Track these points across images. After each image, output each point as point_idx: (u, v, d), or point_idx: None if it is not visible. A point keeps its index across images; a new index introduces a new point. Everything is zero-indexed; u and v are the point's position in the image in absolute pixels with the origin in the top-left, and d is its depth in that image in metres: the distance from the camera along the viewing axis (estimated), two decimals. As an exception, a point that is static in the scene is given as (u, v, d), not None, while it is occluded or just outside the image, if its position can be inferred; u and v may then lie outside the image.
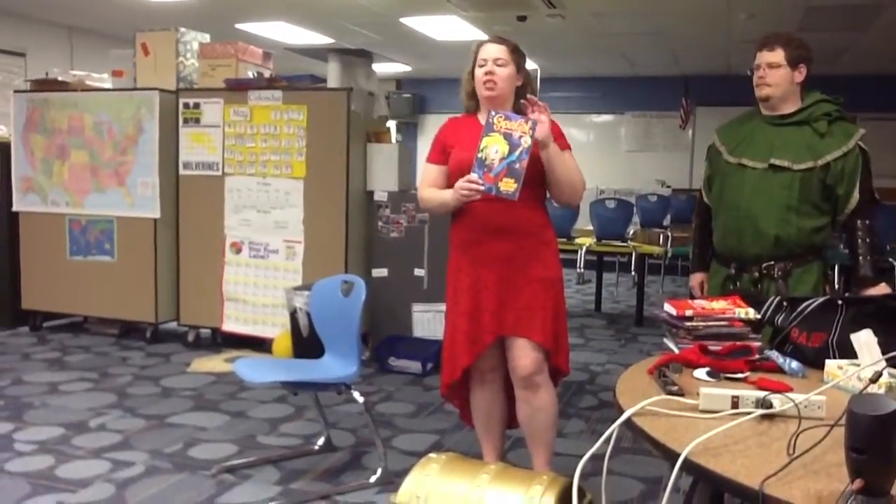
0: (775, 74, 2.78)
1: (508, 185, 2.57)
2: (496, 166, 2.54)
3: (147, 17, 7.30)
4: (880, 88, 9.63)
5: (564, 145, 2.80)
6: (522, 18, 7.20)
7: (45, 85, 5.84)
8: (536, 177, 2.69)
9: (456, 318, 2.84)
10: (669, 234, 8.94)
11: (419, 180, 2.98)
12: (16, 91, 6.02)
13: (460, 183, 2.63)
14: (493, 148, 2.56)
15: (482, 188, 2.60)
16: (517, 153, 2.55)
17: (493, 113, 2.63)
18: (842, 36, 7.74)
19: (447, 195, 2.74)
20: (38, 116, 5.73)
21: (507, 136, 2.58)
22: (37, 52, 8.13)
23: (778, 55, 2.77)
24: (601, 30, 7.77)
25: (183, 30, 5.61)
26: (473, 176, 2.61)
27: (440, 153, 2.87)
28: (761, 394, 1.61)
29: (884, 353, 1.77)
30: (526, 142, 2.57)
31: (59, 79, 5.84)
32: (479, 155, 2.59)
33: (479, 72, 2.77)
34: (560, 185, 2.75)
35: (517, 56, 2.81)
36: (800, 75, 2.80)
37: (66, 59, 8.36)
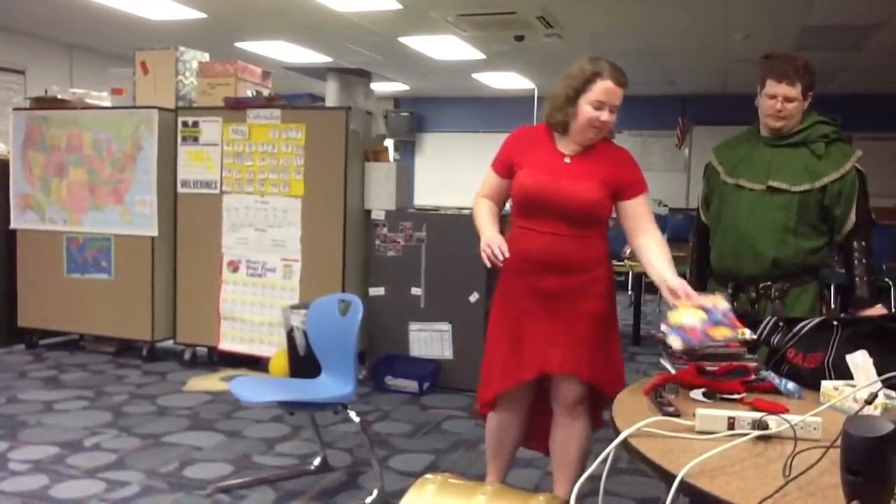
0: (792, 108, 2.75)
1: (723, 332, 2.13)
2: (700, 327, 2.12)
3: (147, 35, 7.34)
4: (875, 108, 9.69)
5: (642, 186, 2.69)
6: (520, 38, 7.25)
7: (45, 103, 5.85)
8: (599, 215, 2.62)
9: (497, 345, 2.73)
10: (667, 252, 8.92)
11: (481, 183, 2.80)
12: (15, 108, 6.04)
13: (490, 247, 2.51)
14: (687, 316, 2.15)
15: (500, 261, 2.49)
16: (719, 314, 2.14)
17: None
18: (837, 55, 7.80)
19: (484, 233, 2.62)
20: (38, 134, 5.75)
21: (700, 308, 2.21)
22: (36, 70, 8.16)
23: (797, 89, 2.73)
24: (598, 49, 7.79)
25: (182, 48, 5.65)
26: (504, 246, 2.50)
27: (505, 166, 2.73)
28: (757, 415, 1.61)
29: (879, 374, 1.78)
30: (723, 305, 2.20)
31: (59, 96, 5.86)
32: (674, 325, 2.16)
33: (591, 112, 2.55)
34: None
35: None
36: (807, 102, 2.81)
37: (66, 77, 8.40)
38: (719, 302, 2.12)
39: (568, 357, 2.62)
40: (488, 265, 2.56)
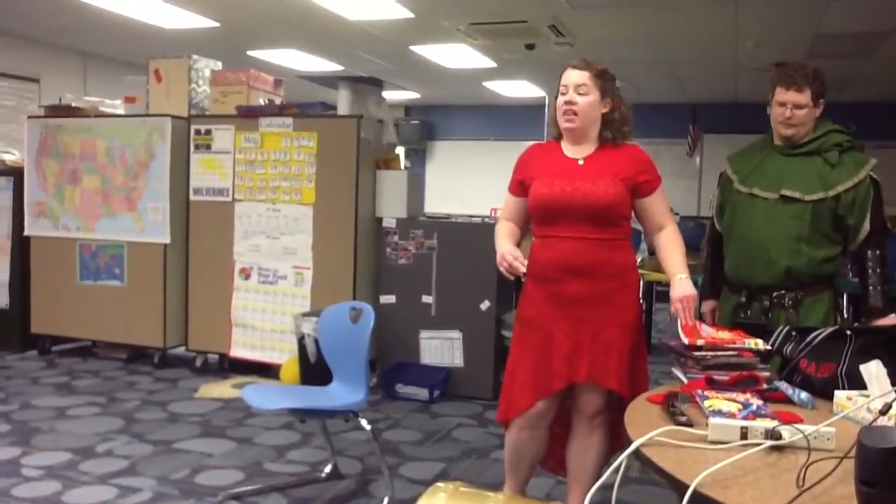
0: (802, 115, 2.76)
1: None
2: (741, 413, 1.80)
3: (160, 44, 7.39)
4: (889, 116, 9.63)
5: (655, 183, 2.68)
6: (531, 47, 7.26)
7: (59, 111, 5.90)
8: (619, 211, 2.60)
9: (523, 353, 2.69)
10: (678, 261, 8.89)
11: (502, 209, 2.83)
12: (29, 116, 6.10)
13: (506, 259, 2.54)
14: (724, 407, 1.83)
15: (520, 273, 2.52)
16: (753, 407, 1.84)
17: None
18: (849, 63, 7.77)
19: (500, 249, 2.62)
20: (52, 142, 5.79)
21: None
22: (51, 78, 8.22)
23: (806, 96, 2.73)
24: (608, 57, 7.81)
25: (195, 57, 5.68)
26: (520, 257, 2.52)
27: (519, 185, 2.74)
28: (770, 425, 1.60)
29: (894, 384, 1.77)
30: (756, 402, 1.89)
31: (73, 104, 5.91)
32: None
33: (559, 99, 2.63)
34: None
35: (602, 81, 2.63)
36: (819, 110, 2.80)
37: (80, 85, 8.46)
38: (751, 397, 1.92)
39: (595, 366, 2.59)
40: (511, 278, 2.57)
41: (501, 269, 2.56)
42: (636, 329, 2.71)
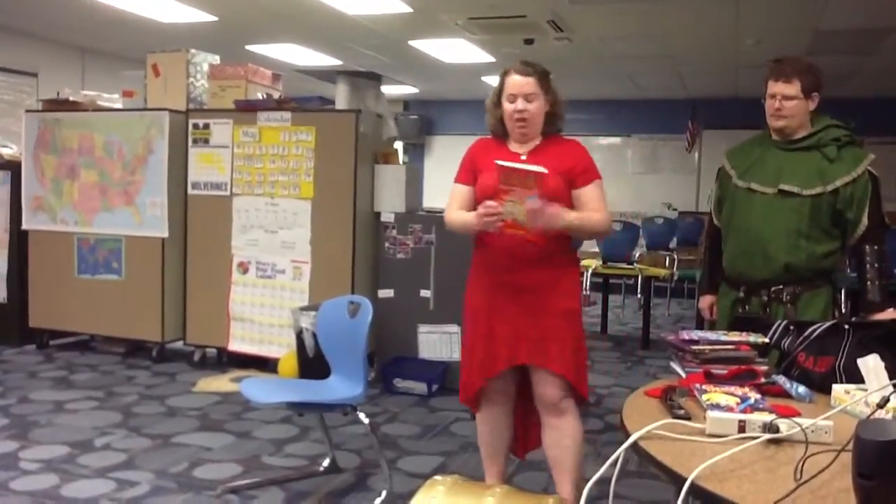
0: (791, 107, 2.77)
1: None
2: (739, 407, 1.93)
3: (158, 38, 7.37)
4: (889, 112, 9.63)
5: (592, 175, 2.77)
6: (530, 41, 7.25)
7: (57, 105, 5.89)
8: (558, 202, 2.65)
9: (473, 341, 2.84)
10: (676, 256, 8.92)
11: (447, 202, 2.91)
12: (27, 111, 6.09)
13: (482, 209, 2.61)
14: (722, 400, 1.97)
15: (503, 215, 2.57)
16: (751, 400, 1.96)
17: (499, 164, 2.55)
18: (850, 59, 7.76)
19: (470, 217, 2.71)
20: (49, 136, 5.78)
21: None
22: (49, 73, 8.20)
23: (794, 87, 2.75)
24: (608, 53, 7.82)
25: (193, 51, 5.67)
26: (494, 203, 2.57)
27: (469, 174, 2.84)
28: (768, 418, 1.60)
29: (891, 377, 1.77)
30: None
31: (71, 99, 5.90)
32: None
33: (508, 106, 2.73)
34: (580, 237, 2.87)
35: (545, 82, 2.76)
36: (813, 103, 2.80)
37: (78, 80, 8.43)
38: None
39: (536, 349, 2.72)
40: (498, 225, 2.59)
41: (482, 221, 2.60)
42: (577, 317, 2.82)
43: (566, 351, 2.73)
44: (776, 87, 2.78)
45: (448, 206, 2.89)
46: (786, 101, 2.77)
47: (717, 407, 1.70)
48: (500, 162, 2.54)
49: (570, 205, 2.72)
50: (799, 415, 1.66)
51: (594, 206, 2.75)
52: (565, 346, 2.73)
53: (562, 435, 2.82)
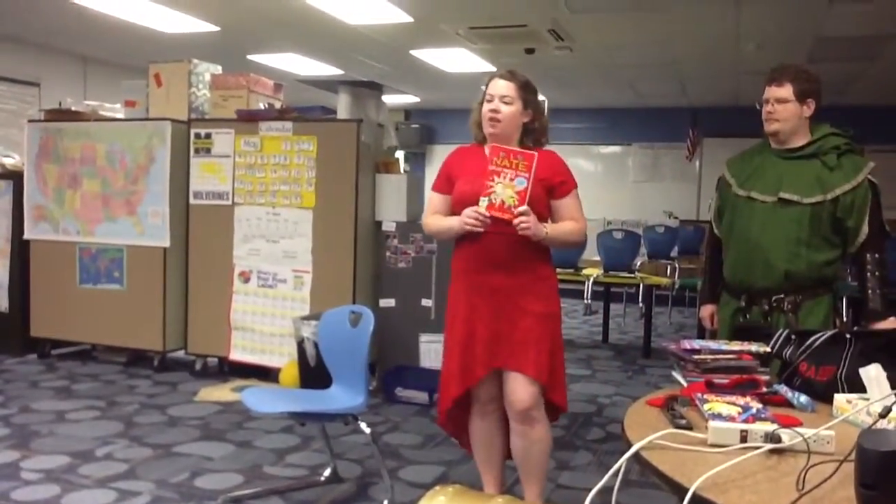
0: (784, 110, 2.78)
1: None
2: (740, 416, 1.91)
3: (160, 48, 7.40)
4: (889, 120, 9.63)
5: (570, 185, 2.85)
6: (531, 51, 7.27)
7: (59, 115, 5.91)
8: (538, 214, 2.71)
9: (452, 347, 2.85)
10: (677, 265, 8.92)
11: (425, 209, 3.01)
12: (30, 120, 6.11)
13: (468, 211, 2.67)
14: (723, 410, 1.95)
15: (488, 220, 2.64)
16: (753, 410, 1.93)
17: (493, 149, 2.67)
18: (850, 67, 7.77)
19: (453, 221, 2.77)
20: (52, 146, 5.80)
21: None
22: (51, 82, 8.23)
23: (786, 90, 2.77)
24: (609, 61, 7.84)
25: (195, 61, 5.69)
26: (481, 206, 2.64)
27: (445, 182, 2.91)
28: (770, 428, 1.60)
29: (893, 387, 1.76)
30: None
31: (73, 108, 5.92)
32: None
33: (485, 107, 2.80)
34: (556, 248, 2.87)
35: (525, 93, 2.82)
36: (808, 109, 2.81)
37: (80, 90, 8.46)
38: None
39: (513, 354, 2.74)
40: (485, 225, 2.65)
41: (466, 223, 2.67)
42: (555, 321, 2.83)
43: (542, 354, 2.74)
44: (769, 92, 2.81)
45: (425, 214, 2.97)
46: (778, 104, 2.79)
47: (718, 416, 1.70)
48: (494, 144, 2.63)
49: (546, 210, 2.78)
50: (801, 424, 1.65)
51: (571, 216, 2.83)
52: (542, 350, 2.74)
53: (531, 443, 2.84)
